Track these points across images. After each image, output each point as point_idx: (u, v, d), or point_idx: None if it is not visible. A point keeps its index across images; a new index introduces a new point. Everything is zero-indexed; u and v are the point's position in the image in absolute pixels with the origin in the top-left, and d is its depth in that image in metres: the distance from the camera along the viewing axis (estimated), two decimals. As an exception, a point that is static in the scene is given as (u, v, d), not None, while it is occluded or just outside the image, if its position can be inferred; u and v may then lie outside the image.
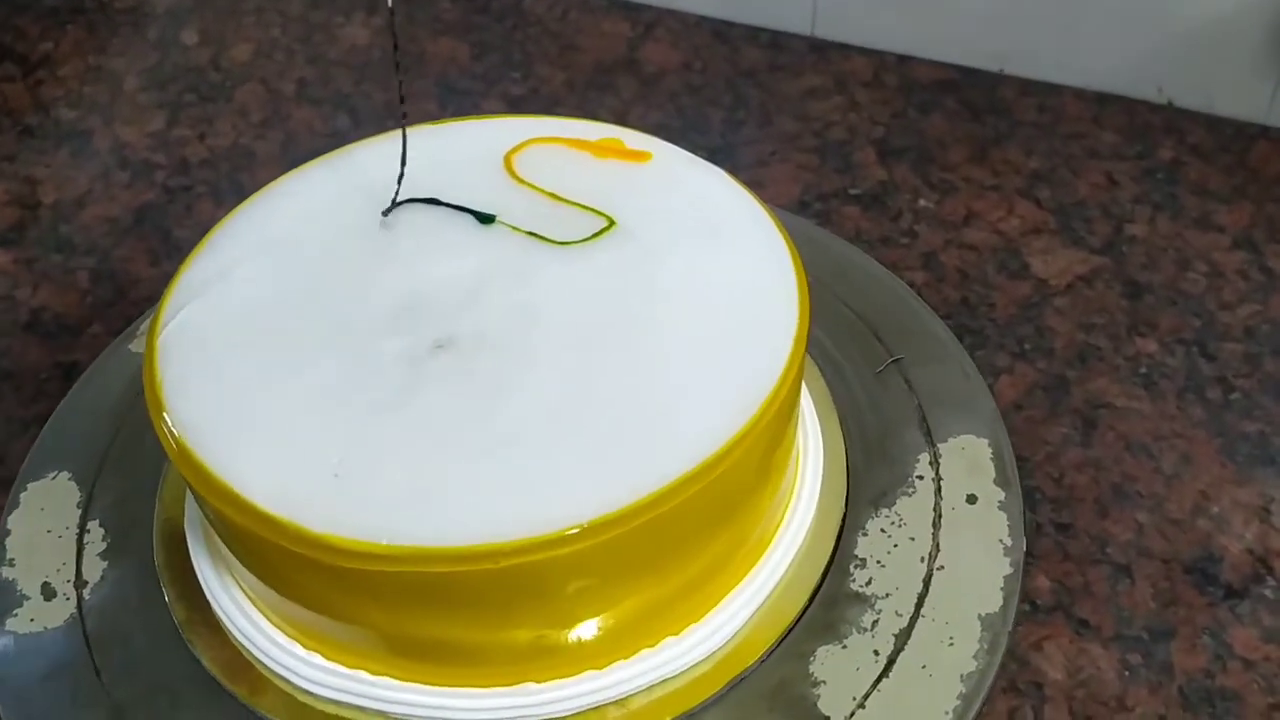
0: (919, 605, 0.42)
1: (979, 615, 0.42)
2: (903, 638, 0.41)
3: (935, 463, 0.46)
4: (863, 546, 0.44)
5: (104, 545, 0.46)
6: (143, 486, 0.47)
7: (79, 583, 0.45)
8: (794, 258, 0.42)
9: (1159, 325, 0.60)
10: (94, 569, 0.45)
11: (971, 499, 0.45)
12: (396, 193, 0.44)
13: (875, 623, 0.42)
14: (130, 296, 0.65)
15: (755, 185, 0.46)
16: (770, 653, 0.41)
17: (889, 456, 0.47)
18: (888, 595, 0.42)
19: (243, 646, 0.42)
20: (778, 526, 0.43)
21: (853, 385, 0.49)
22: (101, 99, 0.78)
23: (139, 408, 0.39)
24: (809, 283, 0.42)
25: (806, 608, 0.42)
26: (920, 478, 0.46)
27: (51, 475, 0.48)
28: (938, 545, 0.44)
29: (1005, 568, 0.43)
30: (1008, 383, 0.58)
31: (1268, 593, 0.50)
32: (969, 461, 0.46)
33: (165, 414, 0.39)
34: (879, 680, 0.40)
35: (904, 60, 0.76)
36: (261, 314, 0.41)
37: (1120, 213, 0.66)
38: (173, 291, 0.43)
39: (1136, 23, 0.69)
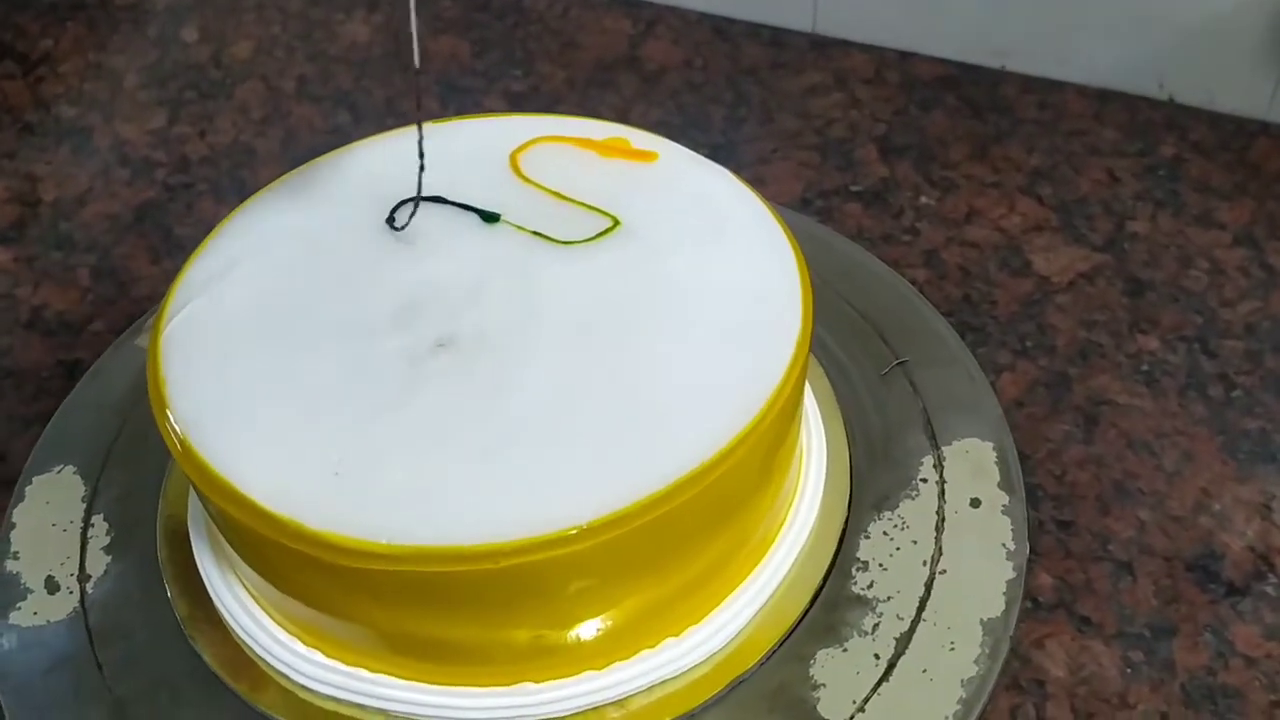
0: (920, 609, 0.42)
1: (981, 620, 0.42)
2: (904, 641, 0.41)
3: (939, 466, 0.46)
4: (865, 549, 0.44)
5: (108, 540, 0.46)
6: (147, 482, 0.47)
7: (82, 577, 0.45)
8: (798, 259, 0.42)
9: (1160, 322, 0.60)
10: (98, 563, 0.45)
11: (975, 503, 0.45)
12: (419, 188, 0.44)
13: (876, 626, 0.42)
14: (131, 294, 0.65)
15: (757, 183, 0.46)
16: (770, 655, 0.41)
17: (892, 459, 0.47)
18: (889, 598, 0.42)
19: (244, 643, 0.42)
20: (779, 528, 0.43)
21: (857, 386, 0.49)
22: (102, 96, 0.78)
23: (144, 403, 0.39)
24: (813, 284, 0.41)
25: (807, 610, 0.42)
26: (924, 481, 0.46)
27: (57, 469, 0.48)
28: (940, 549, 0.44)
29: (1008, 572, 0.43)
30: (1009, 380, 0.58)
31: (1269, 590, 0.50)
32: (973, 465, 0.46)
33: (168, 411, 0.39)
34: (879, 684, 0.40)
35: (905, 57, 0.76)
36: (264, 312, 0.41)
37: (1121, 209, 0.66)
38: (176, 289, 0.43)
39: (1138, 19, 0.69)
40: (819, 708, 0.40)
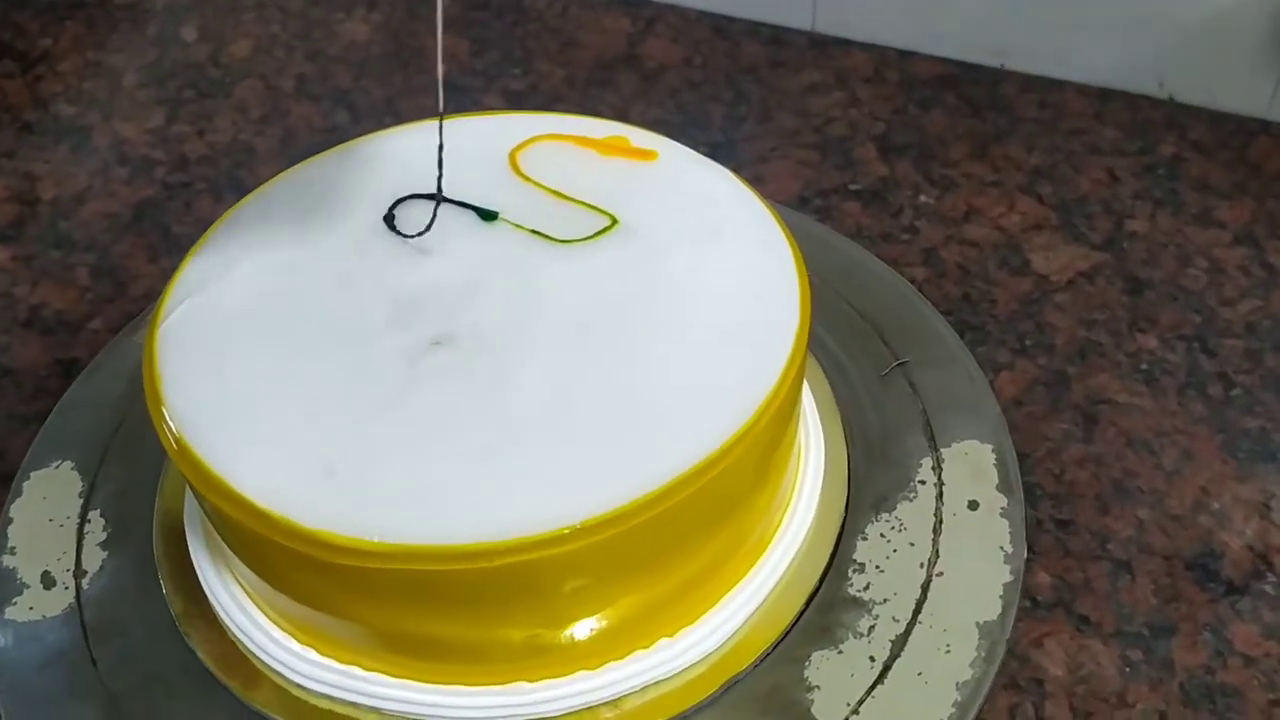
0: (917, 611, 0.42)
1: (977, 623, 0.41)
2: (899, 644, 0.41)
3: (937, 467, 0.46)
4: (862, 551, 0.44)
5: (104, 535, 0.46)
6: (144, 478, 0.47)
7: (78, 572, 0.45)
8: (797, 258, 0.42)
9: (1160, 321, 0.60)
10: (93, 559, 0.45)
11: (973, 505, 0.45)
12: (439, 185, 0.43)
13: (872, 628, 0.41)
14: (130, 293, 0.65)
15: (756, 181, 0.46)
16: (765, 656, 0.41)
17: (891, 460, 0.46)
18: (885, 601, 0.42)
19: (238, 640, 0.42)
20: (776, 529, 0.43)
21: (856, 386, 0.49)
22: (101, 95, 0.77)
23: (142, 401, 0.39)
24: (811, 284, 0.41)
25: (803, 612, 0.42)
26: (922, 482, 0.46)
27: (55, 464, 0.48)
28: (937, 551, 0.43)
29: (1005, 575, 0.43)
30: (1008, 379, 0.57)
31: (1268, 589, 0.49)
32: (972, 467, 0.46)
33: (164, 409, 0.39)
34: (874, 687, 0.40)
35: (905, 56, 0.76)
36: (260, 310, 0.41)
37: (1121, 208, 0.66)
38: (173, 287, 0.43)
39: (1138, 18, 0.69)
40: (813, 710, 0.40)
